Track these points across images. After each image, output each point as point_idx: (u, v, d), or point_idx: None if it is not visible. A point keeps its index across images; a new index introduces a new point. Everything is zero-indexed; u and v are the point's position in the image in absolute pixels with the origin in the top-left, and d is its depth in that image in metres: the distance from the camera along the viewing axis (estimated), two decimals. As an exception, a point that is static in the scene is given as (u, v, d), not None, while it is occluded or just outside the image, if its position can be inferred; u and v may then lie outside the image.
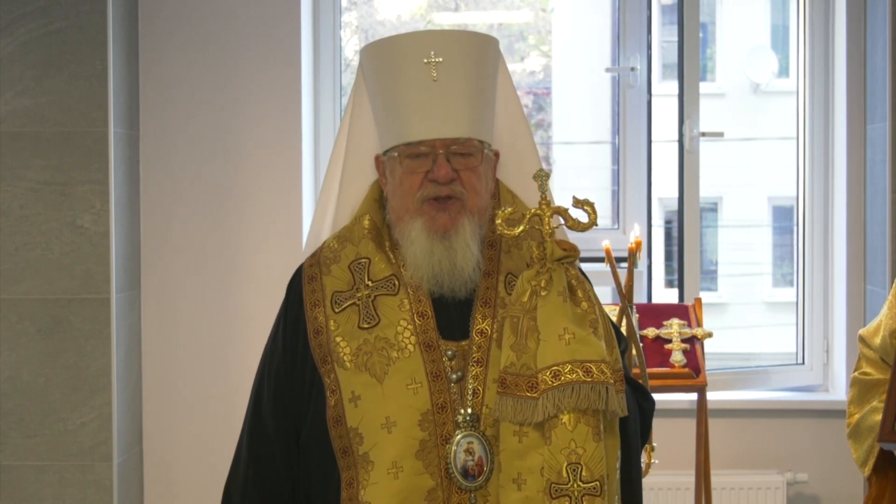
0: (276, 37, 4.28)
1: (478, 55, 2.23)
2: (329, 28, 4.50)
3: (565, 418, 2.01)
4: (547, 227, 2.11)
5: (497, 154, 2.29)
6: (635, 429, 2.23)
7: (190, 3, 4.28)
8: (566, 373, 2.02)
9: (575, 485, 2.00)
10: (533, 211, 2.13)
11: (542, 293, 2.08)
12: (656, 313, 3.96)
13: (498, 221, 2.13)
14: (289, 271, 4.46)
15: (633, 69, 4.49)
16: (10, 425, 3.98)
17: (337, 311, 2.21)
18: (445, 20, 5.15)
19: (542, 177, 2.14)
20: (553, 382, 2.01)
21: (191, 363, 4.30)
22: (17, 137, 3.96)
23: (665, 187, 4.86)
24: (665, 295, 7.21)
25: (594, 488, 2.00)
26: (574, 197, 2.18)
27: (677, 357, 3.84)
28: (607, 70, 4.61)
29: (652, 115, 4.53)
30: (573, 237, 2.24)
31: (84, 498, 3.97)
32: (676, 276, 4.57)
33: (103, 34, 3.96)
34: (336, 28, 4.52)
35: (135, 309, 4.23)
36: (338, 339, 2.19)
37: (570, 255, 2.13)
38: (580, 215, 2.16)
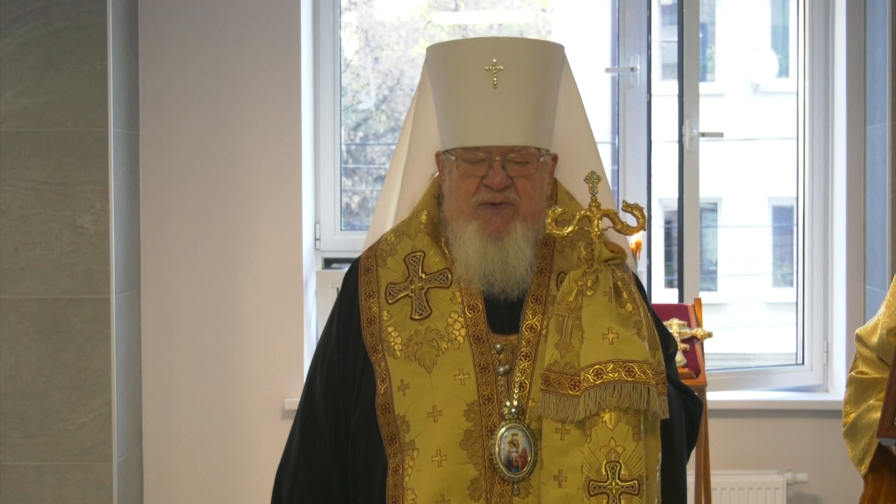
0: (275, 37, 4.28)
1: (540, 63, 2.26)
2: (329, 28, 4.50)
3: (606, 417, 2.04)
4: (596, 229, 2.15)
5: (555, 158, 2.31)
6: (681, 432, 2.25)
7: (190, 3, 4.28)
8: (608, 372, 2.05)
9: (613, 483, 2.02)
10: (583, 212, 2.16)
11: (588, 293, 2.11)
12: (656, 313, 3.96)
13: (548, 221, 2.16)
14: (288, 271, 4.45)
15: (632, 69, 4.49)
16: (10, 425, 3.98)
17: (391, 302, 2.25)
18: (445, 20, 5.14)
19: (594, 179, 2.18)
20: (595, 381, 2.04)
21: (191, 363, 4.30)
22: (17, 137, 3.96)
23: (665, 187, 4.85)
24: (665, 295, 7.21)
25: (632, 487, 2.02)
26: (624, 201, 2.22)
27: (677, 357, 3.83)
28: (607, 70, 4.61)
29: (652, 116, 4.53)
30: (618, 239, 2.27)
31: (84, 498, 3.98)
32: (676, 276, 4.57)
33: (103, 34, 3.96)
34: (336, 28, 4.52)
35: (135, 309, 4.23)
36: (389, 328, 2.23)
37: (618, 256, 2.16)
38: (629, 219, 2.19)
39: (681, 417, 2.25)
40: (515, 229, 2.21)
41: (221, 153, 4.30)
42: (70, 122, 3.96)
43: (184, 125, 4.29)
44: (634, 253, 3.82)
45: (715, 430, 4.20)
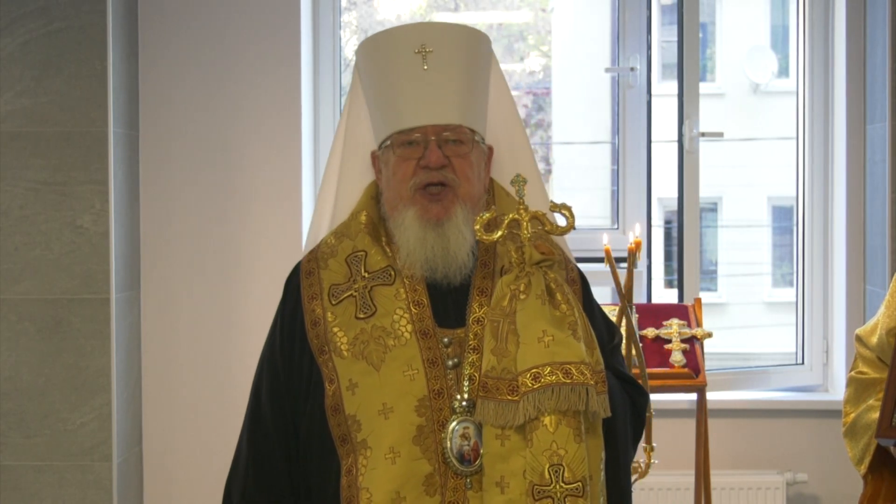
0: (275, 37, 4.28)
1: (468, 48, 2.28)
2: (329, 28, 4.50)
3: (546, 420, 2.03)
4: (525, 232, 2.14)
5: (490, 149, 2.31)
6: (624, 429, 2.24)
7: (190, 3, 4.28)
8: (546, 375, 2.04)
9: (557, 486, 2.02)
10: (511, 216, 2.15)
11: (521, 297, 2.11)
12: (656, 313, 3.97)
13: (476, 227, 2.15)
14: (288, 271, 4.47)
15: (632, 69, 4.49)
16: (10, 425, 3.98)
17: (334, 303, 2.24)
18: (445, 20, 5.15)
19: (520, 182, 2.17)
20: (533, 385, 2.04)
21: (191, 363, 4.30)
22: (17, 137, 3.96)
23: (665, 187, 4.86)
24: (665, 295, 7.23)
25: (577, 489, 2.02)
26: (552, 201, 2.21)
27: (677, 357, 3.84)
28: (607, 70, 4.62)
29: (652, 115, 4.53)
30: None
31: (84, 498, 3.98)
32: (676, 276, 4.57)
33: (103, 34, 3.96)
34: (336, 28, 4.53)
35: (135, 309, 4.24)
36: (335, 329, 2.21)
37: (548, 258, 2.15)
38: (559, 219, 2.18)
39: (625, 413, 2.24)
40: (455, 214, 2.20)
41: (221, 153, 4.30)
42: (70, 122, 3.96)
43: (184, 125, 4.29)
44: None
45: (715, 430, 4.20)
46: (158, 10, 4.27)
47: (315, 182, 4.48)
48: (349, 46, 4.90)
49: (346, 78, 4.71)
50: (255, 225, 4.30)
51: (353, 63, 4.89)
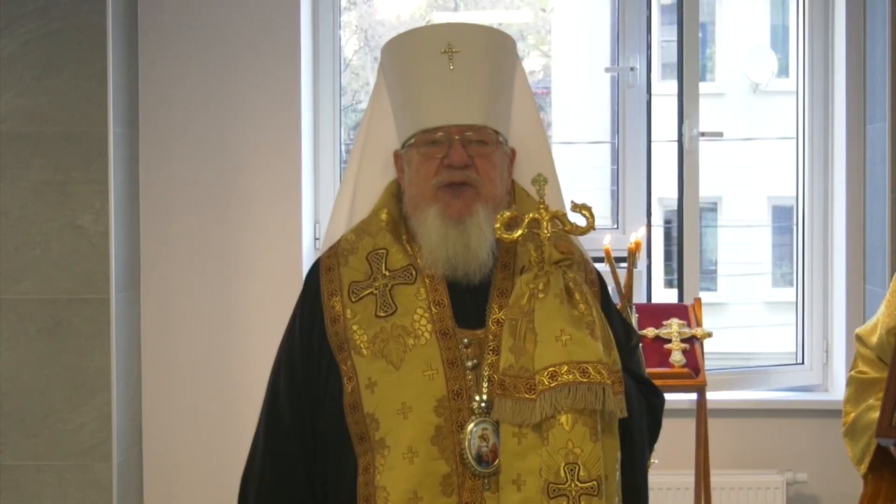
0: (275, 37, 4.28)
1: (495, 50, 2.28)
2: (328, 28, 4.50)
3: (563, 419, 2.04)
4: (545, 231, 2.14)
5: (513, 151, 2.31)
6: (641, 430, 2.24)
7: (190, 3, 4.28)
8: (563, 374, 2.04)
9: (572, 484, 2.02)
10: (531, 215, 2.16)
11: (540, 296, 2.11)
12: (656, 313, 3.96)
13: (497, 226, 2.15)
14: (288, 271, 4.45)
15: (632, 69, 4.49)
16: (10, 425, 3.98)
17: (354, 300, 2.23)
18: (445, 20, 5.15)
19: (541, 181, 2.17)
20: (550, 383, 2.04)
21: (191, 363, 4.30)
22: (17, 137, 3.96)
23: (665, 187, 4.86)
24: (665, 295, 7.23)
25: (592, 488, 2.02)
26: (573, 201, 2.21)
27: (677, 357, 3.84)
28: (607, 70, 4.62)
29: (652, 115, 4.53)
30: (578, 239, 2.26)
31: (84, 498, 3.98)
32: (676, 276, 4.58)
33: (103, 34, 3.96)
34: (335, 28, 4.53)
35: (135, 309, 4.24)
36: (354, 326, 2.21)
37: (568, 257, 2.15)
38: (578, 219, 2.19)
39: (641, 415, 2.24)
40: (477, 212, 2.20)
41: (221, 153, 4.30)
42: (70, 122, 3.96)
43: (183, 125, 4.29)
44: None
45: (715, 430, 4.20)
46: (158, 10, 4.27)
47: (315, 182, 4.48)
48: (348, 46, 4.91)
49: (346, 78, 4.72)
50: (255, 225, 4.30)
51: (353, 63, 4.90)
